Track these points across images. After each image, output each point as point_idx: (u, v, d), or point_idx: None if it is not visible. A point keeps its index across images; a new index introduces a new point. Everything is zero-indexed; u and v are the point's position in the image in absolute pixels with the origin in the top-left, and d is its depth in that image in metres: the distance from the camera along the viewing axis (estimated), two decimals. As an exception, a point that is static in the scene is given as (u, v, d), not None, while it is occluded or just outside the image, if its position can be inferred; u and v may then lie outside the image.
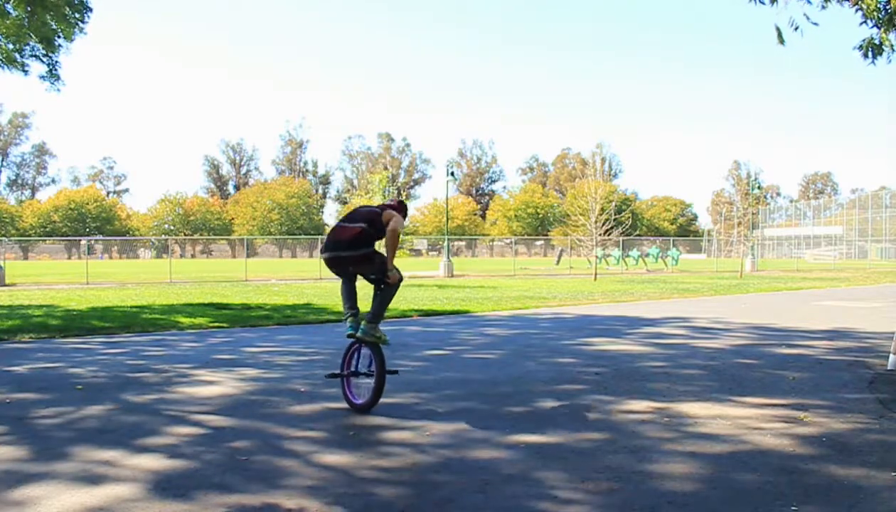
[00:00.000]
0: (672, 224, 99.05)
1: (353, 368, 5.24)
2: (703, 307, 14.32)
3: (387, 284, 5.17)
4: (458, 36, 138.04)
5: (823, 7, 7.10)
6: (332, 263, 5.17)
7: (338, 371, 5.31)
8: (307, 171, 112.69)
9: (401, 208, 5.32)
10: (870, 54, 7.01)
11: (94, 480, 3.57)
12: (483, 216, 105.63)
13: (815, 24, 6.77)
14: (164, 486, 3.48)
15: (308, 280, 26.24)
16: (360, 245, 5.03)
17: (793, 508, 3.19)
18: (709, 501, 3.27)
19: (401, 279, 5.15)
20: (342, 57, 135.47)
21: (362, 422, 4.76)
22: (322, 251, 5.26)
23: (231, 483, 3.52)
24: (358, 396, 5.17)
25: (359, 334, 5.06)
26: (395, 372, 5.37)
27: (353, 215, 5.23)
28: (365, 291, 5.27)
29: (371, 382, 5.04)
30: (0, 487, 3.46)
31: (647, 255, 42.29)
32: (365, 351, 5.15)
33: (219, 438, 4.36)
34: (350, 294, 5.29)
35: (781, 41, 6.78)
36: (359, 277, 5.31)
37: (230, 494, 3.36)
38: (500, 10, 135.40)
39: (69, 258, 74.67)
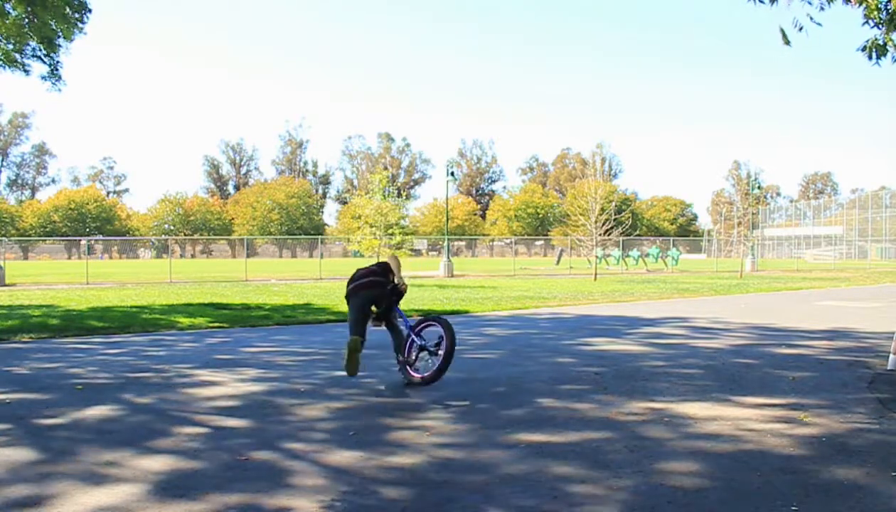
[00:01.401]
0: (672, 224, 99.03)
1: (412, 355, 6.07)
2: (703, 307, 14.32)
3: (390, 323, 6.18)
4: (458, 36, 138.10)
5: (823, 8, 7.10)
6: (362, 288, 6.10)
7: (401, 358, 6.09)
8: (307, 171, 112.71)
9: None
10: (874, 55, 7.01)
11: (96, 480, 3.57)
12: (483, 216, 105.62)
13: (819, 24, 6.76)
14: (165, 486, 3.48)
15: (308, 280, 26.25)
16: (385, 275, 6.20)
17: (793, 508, 3.19)
18: (709, 501, 3.28)
19: (405, 289, 6.23)
20: (342, 57, 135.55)
21: (362, 422, 4.76)
22: (349, 283, 6.26)
23: (232, 483, 3.53)
24: (423, 370, 5.98)
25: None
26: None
27: (365, 271, 6.32)
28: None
29: (436, 359, 5.87)
30: (2, 488, 3.46)
31: (647, 255, 42.31)
32: (434, 329, 6.00)
33: (220, 438, 4.37)
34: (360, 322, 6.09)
35: (787, 41, 6.78)
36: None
37: (231, 494, 3.36)
38: (500, 10, 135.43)
39: (69, 258, 74.69)
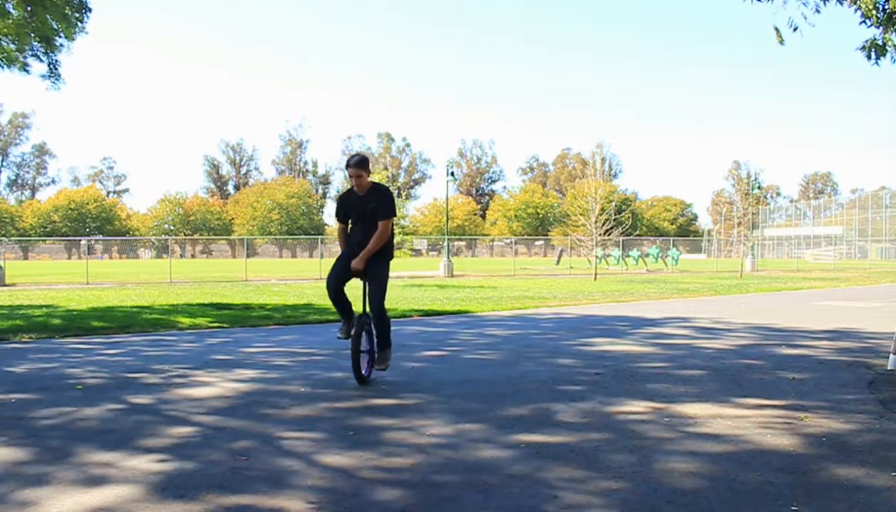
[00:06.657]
0: (672, 224, 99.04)
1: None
2: (704, 307, 14.31)
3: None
4: (458, 36, 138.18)
5: (818, 11, 7.10)
6: None
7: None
8: (307, 171, 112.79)
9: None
10: (873, 55, 7.00)
11: (94, 481, 3.56)
12: (483, 216, 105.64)
13: (812, 25, 6.78)
14: (163, 486, 3.48)
15: (308, 280, 26.25)
16: None
17: (793, 508, 3.18)
18: (708, 501, 3.27)
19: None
20: (342, 57, 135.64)
21: (362, 422, 4.76)
22: None
23: (231, 484, 3.52)
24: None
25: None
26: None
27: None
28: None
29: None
30: (0, 488, 3.46)
31: (647, 255, 42.32)
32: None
33: (218, 439, 4.36)
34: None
35: (781, 41, 6.79)
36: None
37: (230, 495, 3.36)
38: (500, 10, 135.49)
39: (69, 258, 74.68)
